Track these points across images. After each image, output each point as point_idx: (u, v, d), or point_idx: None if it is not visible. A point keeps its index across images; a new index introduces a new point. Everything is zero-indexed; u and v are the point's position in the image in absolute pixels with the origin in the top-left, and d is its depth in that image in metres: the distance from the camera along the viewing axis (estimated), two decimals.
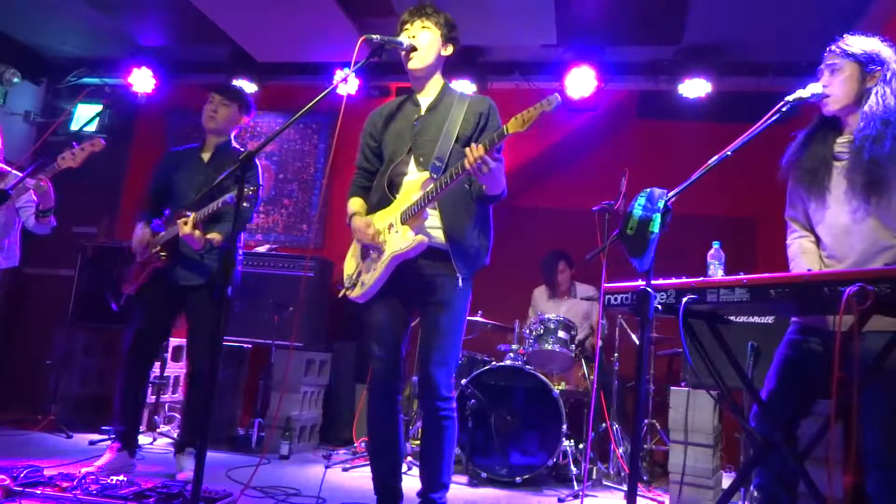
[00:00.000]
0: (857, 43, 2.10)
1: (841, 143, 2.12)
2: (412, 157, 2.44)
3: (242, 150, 3.41)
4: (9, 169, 3.60)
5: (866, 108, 2.03)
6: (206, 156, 3.38)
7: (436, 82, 2.55)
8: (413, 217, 2.31)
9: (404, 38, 2.43)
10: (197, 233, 3.03)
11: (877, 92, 2.03)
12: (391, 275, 2.36)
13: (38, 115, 6.05)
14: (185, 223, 3.01)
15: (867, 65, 2.07)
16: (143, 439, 4.29)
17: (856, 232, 2.03)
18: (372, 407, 2.49)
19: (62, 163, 3.19)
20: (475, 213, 2.43)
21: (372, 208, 2.52)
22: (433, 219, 2.38)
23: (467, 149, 2.14)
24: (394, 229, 2.35)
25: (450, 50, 2.54)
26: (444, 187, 2.23)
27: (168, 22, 5.14)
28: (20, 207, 3.49)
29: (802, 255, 2.18)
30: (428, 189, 2.29)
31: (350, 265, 2.52)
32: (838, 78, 2.09)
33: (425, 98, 2.54)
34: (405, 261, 2.34)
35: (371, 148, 2.60)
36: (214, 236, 3.15)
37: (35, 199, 3.35)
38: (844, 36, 2.14)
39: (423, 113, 2.50)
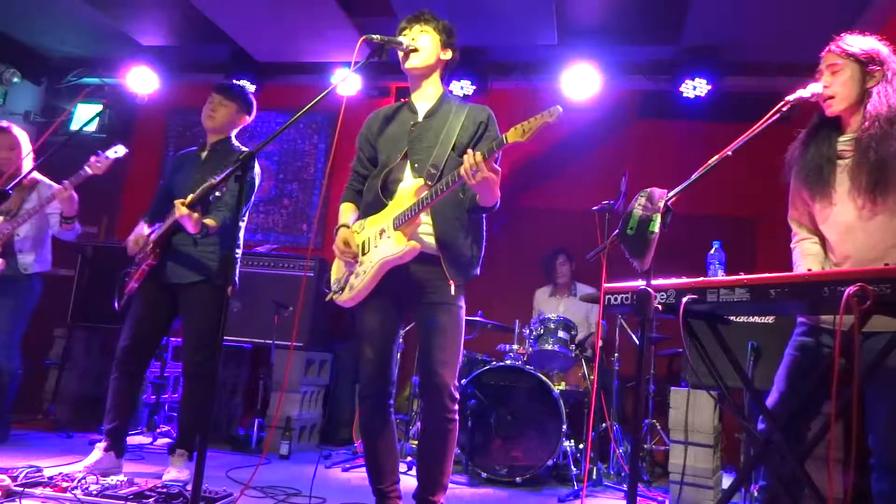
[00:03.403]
0: (857, 43, 2.09)
1: (844, 142, 2.10)
2: (407, 164, 2.42)
3: (244, 149, 3.39)
4: (41, 178, 3.78)
5: (869, 107, 2.01)
6: (203, 154, 3.37)
7: (434, 88, 2.53)
8: (406, 223, 2.28)
9: (405, 39, 2.43)
10: (195, 214, 2.94)
11: (878, 91, 2.02)
12: (381, 280, 2.34)
13: (38, 115, 6.05)
14: (182, 205, 2.89)
15: (867, 65, 2.06)
16: (142, 439, 4.31)
17: (861, 230, 2.02)
18: (364, 411, 2.47)
19: (88, 171, 3.27)
20: (467, 222, 2.40)
21: (364, 209, 2.50)
22: (425, 226, 2.36)
23: (465, 155, 2.12)
24: (385, 234, 2.33)
25: (449, 55, 2.53)
26: (439, 194, 2.21)
27: (168, 22, 5.15)
28: (49, 213, 3.67)
29: (805, 258, 2.18)
30: (422, 196, 2.27)
31: (338, 268, 2.50)
32: (839, 79, 2.08)
33: (423, 104, 2.52)
34: (395, 267, 2.31)
35: (366, 153, 2.59)
36: (209, 221, 3.11)
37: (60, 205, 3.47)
38: (843, 36, 2.13)
39: (420, 119, 2.49)
